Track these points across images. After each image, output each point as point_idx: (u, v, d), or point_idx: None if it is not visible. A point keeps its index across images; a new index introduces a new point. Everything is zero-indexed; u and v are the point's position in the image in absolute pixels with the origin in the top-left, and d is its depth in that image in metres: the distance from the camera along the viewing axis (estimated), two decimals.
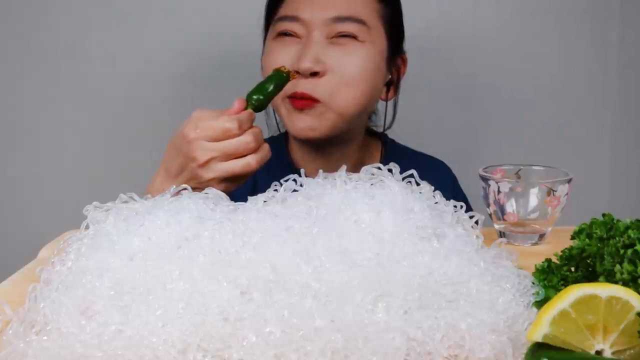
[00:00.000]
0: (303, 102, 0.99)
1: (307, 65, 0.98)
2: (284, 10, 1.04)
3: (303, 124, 1.01)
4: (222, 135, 0.85)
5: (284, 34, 1.03)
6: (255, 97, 0.91)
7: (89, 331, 0.54)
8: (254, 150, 0.86)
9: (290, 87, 0.97)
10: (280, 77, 0.94)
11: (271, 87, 0.93)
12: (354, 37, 1.01)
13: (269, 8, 1.09)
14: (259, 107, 0.91)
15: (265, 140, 0.90)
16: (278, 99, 1.00)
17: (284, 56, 1.01)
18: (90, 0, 1.39)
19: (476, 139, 1.48)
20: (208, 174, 0.85)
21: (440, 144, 1.38)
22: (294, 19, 1.02)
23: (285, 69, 0.95)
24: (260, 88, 0.93)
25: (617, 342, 0.49)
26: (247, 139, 0.85)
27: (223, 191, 0.71)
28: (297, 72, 0.98)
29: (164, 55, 1.41)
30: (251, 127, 0.88)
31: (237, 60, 1.39)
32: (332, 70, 1.00)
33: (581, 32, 1.45)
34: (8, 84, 1.42)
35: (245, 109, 0.89)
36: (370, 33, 1.03)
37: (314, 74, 0.99)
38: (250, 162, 0.86)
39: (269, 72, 1.01)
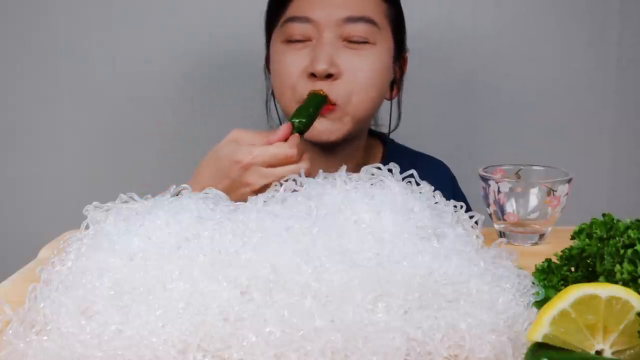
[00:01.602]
0: (326, 107, 0.98)
1: (323, 67, 0.97)
2: (293, 11, 1.02)
3: (322, 128, 1.00)
4: (280, 162, 0.85)
5: (295, 41, 1.01)
6: (298, 120, 0.92)
7: (89, 331, 0.54)
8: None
9: (307, 92, 0.97)
10: (319, 100, 0.96)
11: (311, 110, 0.94)
12: (365, 41, 1.00)
13: (273, 7, 1.06)
14: (303, 131, 0.92)
15: None
16: (293, 102, 1.00)
17: (296, 60, 1.00)
18: (90, 0, 1.39)
19: (476, 139, 1.48)
20: None
21: (440, 144, 1.38)
22: (304, 19, 1.00)
23: (322, 92, 0.96)
24: (302, 112, 0.93)
25: (617, 342, 0.49)
26: (305, 165, 0.85)
27: None
28: (313, 75, 0.98)
29: (164, 55, 1.41)
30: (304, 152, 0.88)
31: (238, 60, 1.39)
32: (345, 73, 0.99)
33: (580, 32, 1.45)
34: (8, 84, 1.42)
35: (291, 133, 0.90)
36: (381, 33, 1.02)
37: (329, 76, 0.98)
38: None
39: (281, 78, 1.01)
